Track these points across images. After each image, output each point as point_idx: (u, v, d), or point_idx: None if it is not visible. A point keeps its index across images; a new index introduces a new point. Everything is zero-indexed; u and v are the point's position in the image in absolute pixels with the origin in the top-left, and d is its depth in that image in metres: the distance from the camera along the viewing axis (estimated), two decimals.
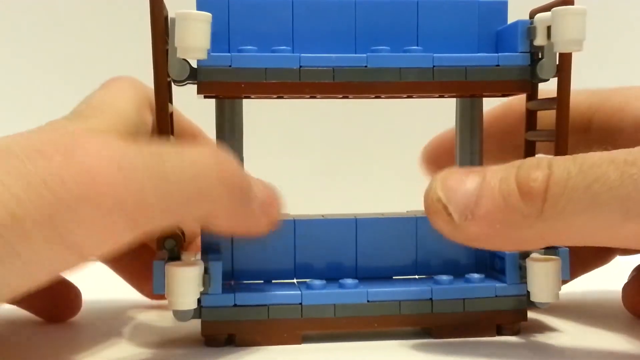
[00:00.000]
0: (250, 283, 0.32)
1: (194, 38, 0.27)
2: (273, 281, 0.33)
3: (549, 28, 0.30)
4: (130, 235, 0.24)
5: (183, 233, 0.31)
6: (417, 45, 0.31)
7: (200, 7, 0.30)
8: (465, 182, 0.27)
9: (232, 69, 0.29)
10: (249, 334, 0.30)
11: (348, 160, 0.57)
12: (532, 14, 0.32)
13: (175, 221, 0.28)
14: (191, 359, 0.30)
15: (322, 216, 0.33)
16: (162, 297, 0.30)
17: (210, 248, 0.32)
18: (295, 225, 0.32)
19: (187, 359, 0.30)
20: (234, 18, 0.30)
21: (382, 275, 0.33)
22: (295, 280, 0.33)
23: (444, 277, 0.32)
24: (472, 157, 0.34)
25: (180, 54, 0.27)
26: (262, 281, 0.33)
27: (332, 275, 0.32)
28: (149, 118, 0.34)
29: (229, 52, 0.30)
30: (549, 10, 0.30)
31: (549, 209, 0.26)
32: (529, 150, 0.34)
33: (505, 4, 0.32)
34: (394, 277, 0.33)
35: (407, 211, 0.34)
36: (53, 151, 0.23)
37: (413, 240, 0.33)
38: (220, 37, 0.30)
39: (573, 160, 0.27)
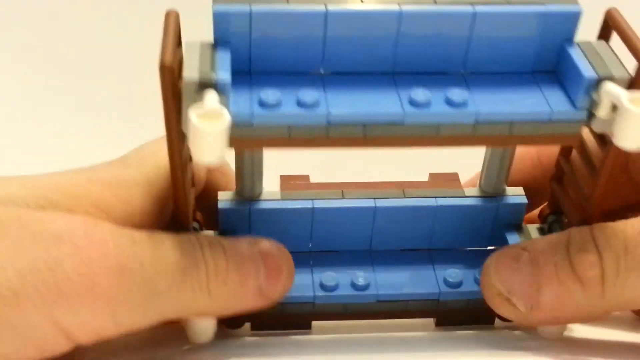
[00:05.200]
0: None
1: (209, 150, 0.24)
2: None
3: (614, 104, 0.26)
4: (117, 331, 0.26)
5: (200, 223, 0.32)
6: (465, 64, 0.28)
7: (217, 33, 0.27)
8: (520, 270, 0.29)
9: (253, 127, 0.26)
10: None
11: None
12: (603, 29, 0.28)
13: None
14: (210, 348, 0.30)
15: (342, 193, 0.33)
16: None
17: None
18: (314, 212, 0.32)
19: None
20: (255, 48, 0.27)
21: (395, 247, 0.33)
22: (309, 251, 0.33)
23: (453, 274, 0.32)
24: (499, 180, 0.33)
25: (194, 159, 0.25)
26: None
27: (345, 246, 0.33)
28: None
29: (249, 91, 0.27)
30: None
31: (608, 290, 0.28)
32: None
33: (577, 16, 0.28)
34: (407, 250, 0.33)
35: (429, 175, 0.34)
36: (67, 239, 0.25)
37: (430, 219, 0.33)
38: (241, 66, 0.27)
39: (615, 236, 0.28)
